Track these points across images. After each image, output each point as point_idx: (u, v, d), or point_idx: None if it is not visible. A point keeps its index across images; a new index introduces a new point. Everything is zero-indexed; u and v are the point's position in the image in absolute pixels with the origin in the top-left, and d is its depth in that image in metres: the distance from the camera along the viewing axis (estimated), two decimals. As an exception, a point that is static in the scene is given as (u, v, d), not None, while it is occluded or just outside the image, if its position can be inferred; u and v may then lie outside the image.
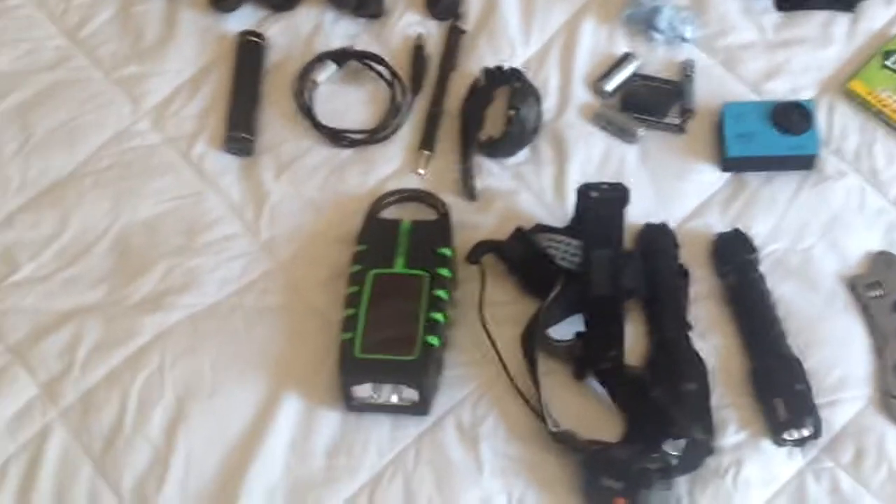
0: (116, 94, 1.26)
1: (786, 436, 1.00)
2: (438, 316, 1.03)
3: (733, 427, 1.02)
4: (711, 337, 1.08)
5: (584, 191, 1.07)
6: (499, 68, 1.23)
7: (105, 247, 1.15)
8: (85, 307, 1.11)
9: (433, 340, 1.01)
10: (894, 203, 1.16)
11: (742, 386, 1.05)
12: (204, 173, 1.21)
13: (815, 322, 1.08)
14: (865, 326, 1.08)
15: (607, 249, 1.04)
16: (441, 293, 1.05)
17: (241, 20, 1.30)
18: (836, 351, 1.06)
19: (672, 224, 1.14)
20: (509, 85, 1.22)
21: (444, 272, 1.06)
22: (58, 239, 1.16)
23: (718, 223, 1.15)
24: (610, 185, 1.07)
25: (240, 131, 1.22)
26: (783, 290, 1.10)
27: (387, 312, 1.03)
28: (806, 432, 1.00)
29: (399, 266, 1.07)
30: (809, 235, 1.14)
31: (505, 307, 1.09)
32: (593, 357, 1.02)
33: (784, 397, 1.01)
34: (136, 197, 1.19)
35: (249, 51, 1.27)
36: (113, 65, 1.28)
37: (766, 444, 1.01)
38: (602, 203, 1.06)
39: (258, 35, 1.28)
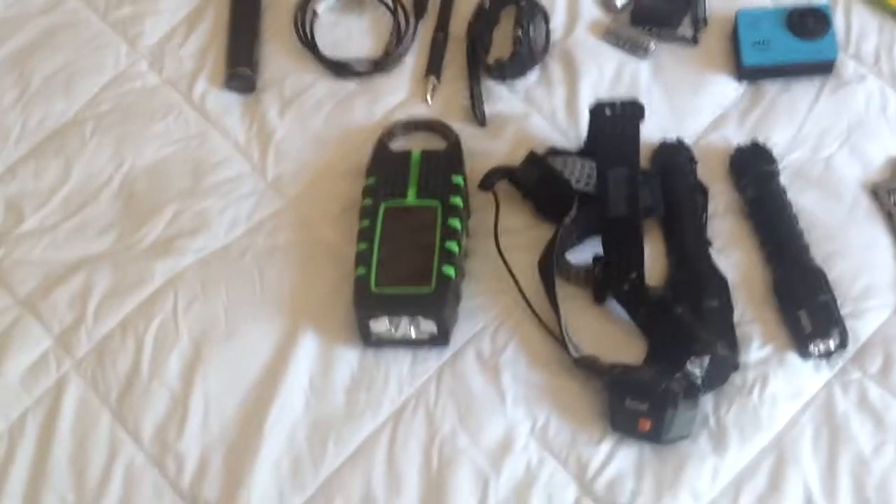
0: (112, 37, 1.24)
1: (812, 348, 0.99)
2: (453, 245, 1.01)
3: (757, 342, 1.00)
4: (732, 252, 1.05)
5: (597, 109, 1.04)
6: (504, -14, 1.19)
7: (111, 193, 1.13)
8: (94, 256, 1.09)
9: (449, 271, 0.99)
10: (917, 105, 1.12)
11: (765, 300, 1.02)
12: (207, 113, 1.18)
13: (838, 231, 1.06)
14: (889, 233, 1.06)
15: (623, 169, 1.01)
16: (455, 222, 1.02)
17: (235, -45, 1.26)
18: (859, 259, 1.04)
19: (689, 139, 1.11)
20: (515, 4, 1.18)
21: (457, 201, 1.04)
22: (62, 188, 1.14)
23: (736, 135, 1.12)
24: (624, 101, 1.03)
25: (241, 67, 1.19)
26: (804, 201, 1.07)
27: (401, 245, 1.01)
28: (832, 343, 0.98)
29: (411, 197, 1.05)
30: (830, 143, 1.11)
31: (521, 234, 1.07)
32: (613, 280, 1.00)
33: (808, 309, 0.99)
34: (139, 141, 1.17)
35: (246, -17, 1.24)
36: (107, 6, 1.26)
37: (792, 358, 0.99)
38: (616, 121, 1.03)
39: (254, -32, 1.24)
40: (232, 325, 1.03)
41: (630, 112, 1.02)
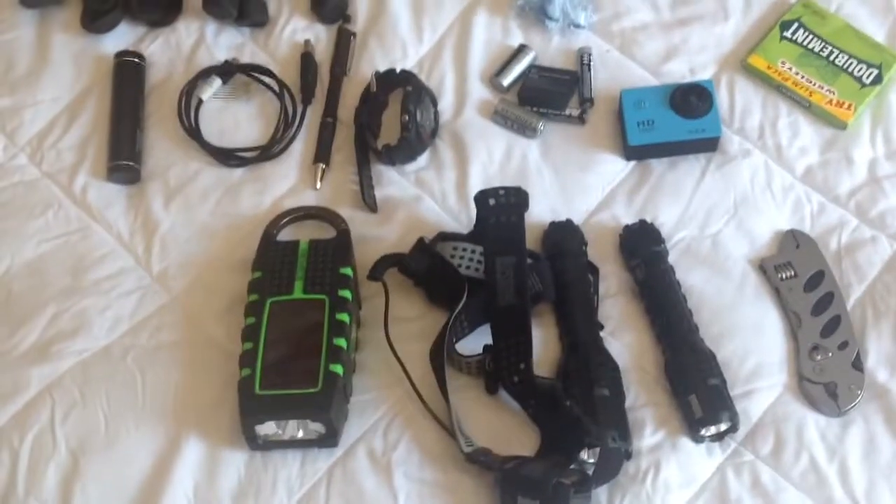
0: (-11, 130, 1.20)
1: (703, 432, 0.98)
2: (341, 342, 0.98)
3: (650, 427, 1.00)
4: (623, 334, 1.05)
5: (482, 198, 1.03)
6: (390, 71, 1.18)
7: (-13, 296, 1.09)
8: (-36, 364, 1.05)
9: (337, 368, 0.97)
10: (801, 179, 1.14)
11: (657, 383, 1.02)
12: (88, 206, 1.15)
13: (727, 310, 1.06)
14: (778, 310, 1.06)
15: (510, 257, 1.00)
16: (343, 316, 1.00)
17: (117, 40, 1.24)
18: (749, 338, 1.05)
19: (579, 218, 1.12)
20: (402, 88, 1.17)
21: (346, 294, 1.02)
22: (-66, 290, 1.09)
23: (625, 214, 1.13)
24: (508, 189, 1.03)
25: (123, 159, 1.16)
26: (693, 280, 1.08)
27: (287, 343, 0.99)
28: (723, 427, 0.99)
29: (297, 291, 1.02)
30: (717, 219, 1.12)
31: (413, 322, 1.05)
32: (503, 371, 0.98)
33: (698, 393, 0.99)
34: (17, 238, 1.13)
35: (128, 72, 1.21)
36: (-16, 98, 1.22)
37: (685, 442, 0.99)
38: (501, 209, 1.02)
39: (136, 55, 1.22)
40: (112, 433, 1.00)
41: (514, 200, 1.02)
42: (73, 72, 1.23)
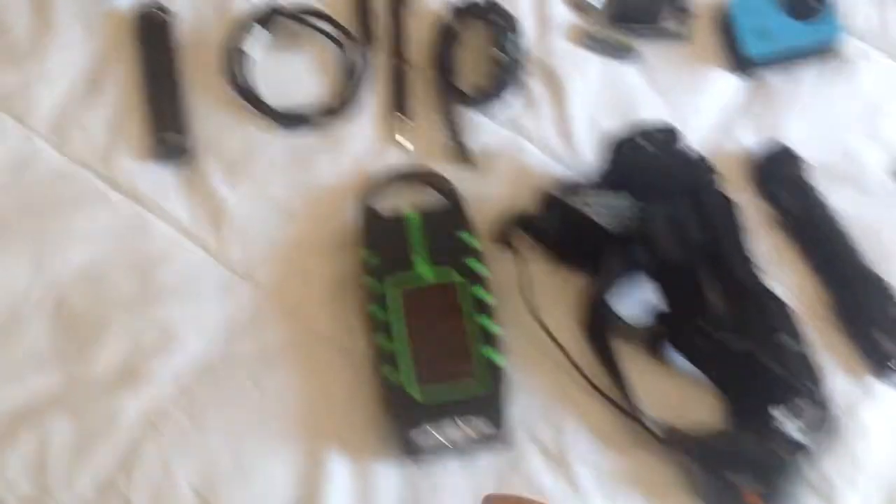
0: (-4, 116, 1.00)
1: (893, 366, 0.89)
2: (489, 323, 0.85)
3: (835, 373, 0.90)
4: (777, 273, 0.94)
5: (629, 143, 0.89)
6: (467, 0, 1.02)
7: (40, 314, 0.91)
8: (40, 400, 0.87)
9: (495, 355, 0.84)
10: (927, 76, 1.04)
11: (827, 322, 0.92)
12: (137, 194, 0.97)
13: (878, 230, 0.96)
14: (933, 222, 0.97)
15: (667, 206, 0.87)
16: (481, 293, 0.87)
17: (131, -7, 1.05)
18: (910, 257, 0.95)
19: (696, 145, 0.99)
20: (482, 18, 1.02)
21: (479, 267, 0.88)
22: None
23: (747, 136, 1.01)
24: (657, 128, 0.90)
25: (169, 131, 0.98)
26: (835, 201, 0.98)
27: (427, 331, 0.85)
28: (912, 358, 0.90)
29: (422, 269, 0.88)
30: (848, 132, 1.01)
31: (544, 288, 0.92)
32: (681, 335, 0.87)
33: (883, 326, 0.90)
34: (58, 242, 0.95)
35: (154, 28, 1.02)
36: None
37: (874, 384, 0.90)
38: (653, 152, 0.89)
39: (160, 6, 1.03)
40: (239, 461, 0.85)
41: (666, 138, 0.89)
42: (83, 33, 1.04)
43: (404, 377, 0.82)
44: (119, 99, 1.01)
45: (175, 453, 0.85)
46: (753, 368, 0.84)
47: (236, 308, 0.92)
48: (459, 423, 0.83)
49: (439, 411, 0.82)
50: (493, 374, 0.83)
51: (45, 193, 0.98)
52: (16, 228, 0.96)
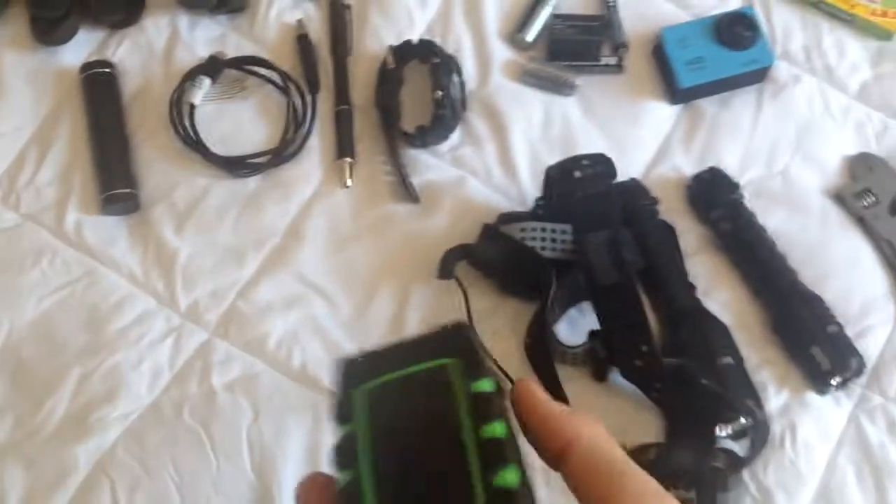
0: (-54, 176, 1.02)
1: (832, 382, 0.91)
2: (496, 428, 0.44)
3: (772, 388, 0.92)
4: (716, 294, 0.97)
5: (564, 172, 0.92)
6: (406, 43, 1.05)
7: (-8, 368, 0.93)
8: (-6, 452, 0.89)
9: (508, 477, 0.42)
10: (857, 97, 1.07)
11: (765, 340, 0.94)
12: (88, 247, 0.99)
13: (817, 249, 0.99)
14: (867, 240, 0.99)
15: (603, 231, 0.89)
16: (480, 384, 0.46)
17: (78, 50, 1.07)
18: (847, 275, 0.97)
19: (637, 175, 1.02)
20: (423, 61, 1.05)
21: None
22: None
23: (685, 163, 1.03)
24: (591, 157, 0.92)
25: (118, 187, 1.00)
26: (773, 222, 1.00)
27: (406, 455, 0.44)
28: (849, 374, 0.91)
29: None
30: (782, 154, 1.04)
31: (489, 317, 0.94)
32: (620, 356, 0.88)
33: (820, 344, 0.92)
34: (11, 297, 0.97)
35: (100, 85, 1.05)
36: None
37: (811, 397, 0.92)
38: (588, 180, 0.91)
39: (106, 63, 1.05)
40: (192, 505, 0.86)
41: (601, 169, 0.91)
42: (32, 94, 1.06)
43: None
44: (68, 156, 1.03)
45: (128, 500, 0.85)
46: (694, 389, 0.86)
47: (184, 352, 0.94)
48: None
49: None
50: None
51: (-3, 250, 0.99)
52: (-30, 285, 0.97)
